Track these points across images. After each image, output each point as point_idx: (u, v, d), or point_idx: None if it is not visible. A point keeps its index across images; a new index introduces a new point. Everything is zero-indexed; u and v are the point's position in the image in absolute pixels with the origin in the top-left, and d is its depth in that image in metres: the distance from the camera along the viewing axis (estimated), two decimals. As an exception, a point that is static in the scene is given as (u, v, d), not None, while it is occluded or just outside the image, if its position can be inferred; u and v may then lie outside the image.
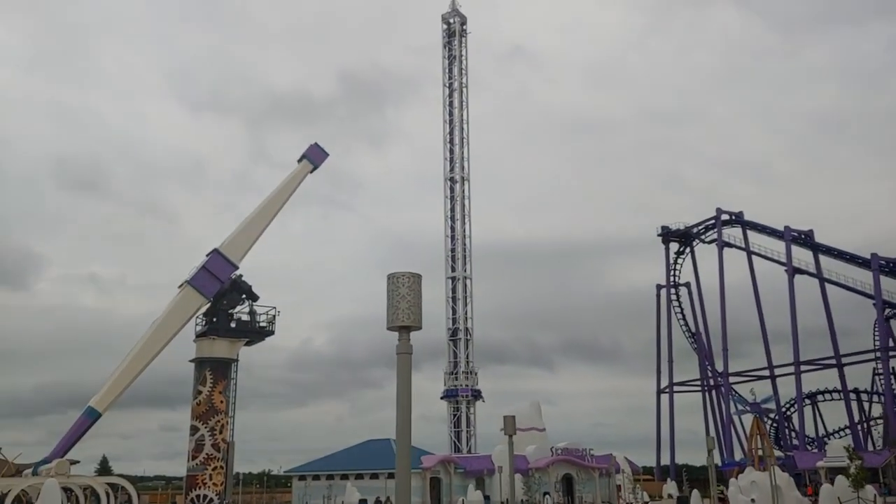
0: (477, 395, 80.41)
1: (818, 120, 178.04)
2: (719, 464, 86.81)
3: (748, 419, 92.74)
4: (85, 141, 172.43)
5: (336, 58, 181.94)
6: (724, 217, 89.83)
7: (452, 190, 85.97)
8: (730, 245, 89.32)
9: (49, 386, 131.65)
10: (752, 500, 45.21)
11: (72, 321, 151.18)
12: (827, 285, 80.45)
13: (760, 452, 53.01)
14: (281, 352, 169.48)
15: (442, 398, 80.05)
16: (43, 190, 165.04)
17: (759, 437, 51.71)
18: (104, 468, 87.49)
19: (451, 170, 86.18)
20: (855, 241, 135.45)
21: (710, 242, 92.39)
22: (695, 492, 43.28)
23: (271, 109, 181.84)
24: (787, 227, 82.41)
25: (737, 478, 48.23)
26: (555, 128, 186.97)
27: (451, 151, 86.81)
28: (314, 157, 40.68)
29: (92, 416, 32.22)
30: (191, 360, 37.18)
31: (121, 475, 38.43)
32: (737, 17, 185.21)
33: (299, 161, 40.87)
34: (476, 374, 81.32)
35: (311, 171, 40.84)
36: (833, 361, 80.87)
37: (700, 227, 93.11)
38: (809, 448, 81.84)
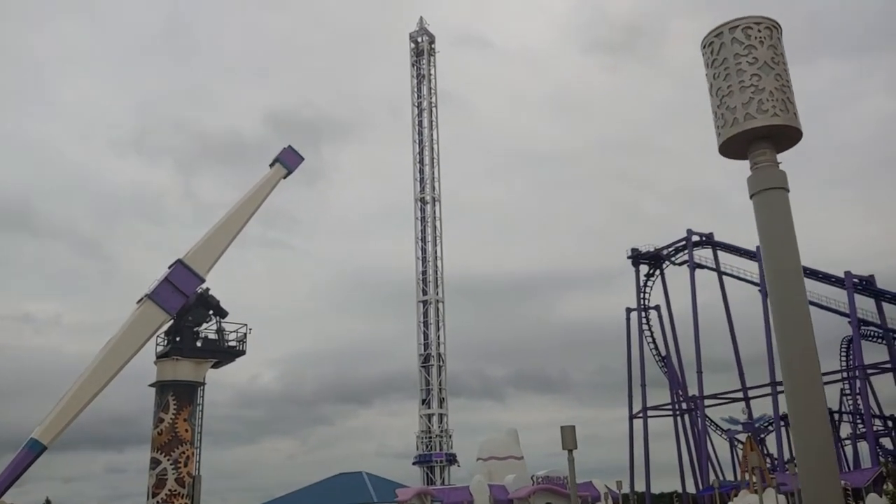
0: (451, 459, 76.15)
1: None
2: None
3: (720, 443, 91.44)
4: (15, 176, 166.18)
5: (271, 97, 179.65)
6: (695, 238, 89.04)
7: (423, 211, 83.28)
8: (701, 266, 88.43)
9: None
10: (753, 526, 43.08)
11: (8, 362, 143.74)
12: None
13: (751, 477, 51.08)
14: (227, 389, 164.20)
15: (414, 464, 75.69)
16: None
17: (753, 457, 49.73)
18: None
19: (422, 190, 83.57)
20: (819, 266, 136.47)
21: (680, 264, 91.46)
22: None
23: (203, 150, 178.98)
24: (758, 247, 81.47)
25: (732, 501, 46.11)
26: (513, 158, 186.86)
27: (422, 171, 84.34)
28: (288, 160, 37.57)
29: (36, 450, 28.10)
30: (151, 385, 33.31)
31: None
32: (693, 54, 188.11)
33: (271, 165, 37.74)
34: (451, 436, 77.53)
35: (285, 177, 37.69)
36: (809, 382, 79.73)
37: (670, 249, 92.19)
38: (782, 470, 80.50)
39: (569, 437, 14.40)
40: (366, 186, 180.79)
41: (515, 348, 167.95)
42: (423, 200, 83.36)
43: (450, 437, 76.83)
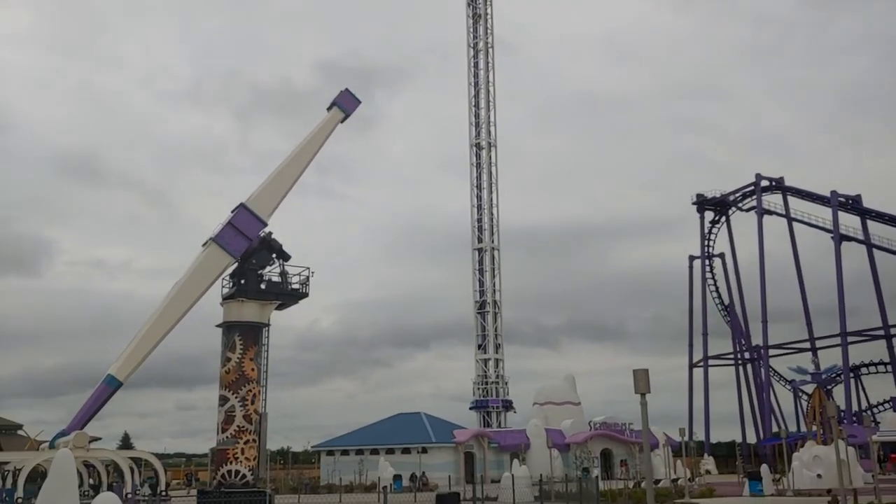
0: (508, 405, 76.52)
1: (848, 95, 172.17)
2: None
3: (782, 394, 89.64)
4: (83, 127, 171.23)
5: (321, 45, 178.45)
6: (764, 183, 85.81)
7: (479, 157, 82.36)
8: (770, 212, 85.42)
9: (67, 367, 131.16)
10: (819, 476, 42.23)
11: (84, 305, 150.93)
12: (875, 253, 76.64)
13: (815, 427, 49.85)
14: (289, 333, 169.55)
15: (471, 409, 76.42)
16: (47, 176, 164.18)
17: (821, 409, 48.45)
18: (126, 444, 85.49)
19: (478, 135, 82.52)
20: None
21: (748, 210, 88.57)
22: (764, 466, 40.04)
23: (257, 100, 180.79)
24: (833, 192, 78.42)
25: (799, 451, 45.20)
26: (571, 104, 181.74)
27: (477, 115, 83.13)
28: (345, 103, 37.14)
29: (112, 385, 29.28)
30: (218, 325, 34.10)
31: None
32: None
33: (329, 109, 37.45)
34: (507, 383, 77.67)
35: (343, 120, 37.37)
36: (881, 332, 77.15)
37: (737, 195, 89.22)
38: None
39: (642, 380, 14.03)
40: (419, 134, 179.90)
41: (570, 297, 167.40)
42: (478, 146, 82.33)
43: (506, 384, 77.31)
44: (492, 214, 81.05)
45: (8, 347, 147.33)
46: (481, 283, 79.91)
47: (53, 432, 28.77)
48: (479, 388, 76.61)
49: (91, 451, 27.37)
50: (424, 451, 58.35)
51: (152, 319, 31.18)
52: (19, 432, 71.56)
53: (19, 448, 39.04)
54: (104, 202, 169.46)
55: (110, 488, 23.14)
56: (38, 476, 28.27)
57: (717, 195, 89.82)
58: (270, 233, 34.95)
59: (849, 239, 77.64)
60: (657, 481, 49.03)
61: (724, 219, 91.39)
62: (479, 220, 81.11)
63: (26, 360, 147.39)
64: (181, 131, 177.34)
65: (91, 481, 28.63)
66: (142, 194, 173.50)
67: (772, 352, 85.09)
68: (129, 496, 24.42)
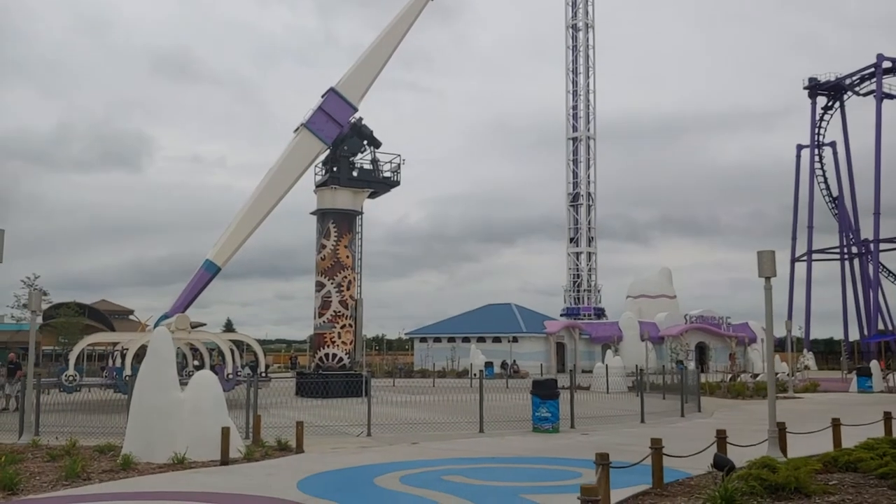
0: (600, 313, 74.81)
1: None
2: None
3: (891, 290, 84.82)
4: (176, 27, 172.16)
5: None
6: (886, 64, 78.14)
7: (575, 39, 78.01)
8: (891, 96, 78.23)
9: (173, 257, 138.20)
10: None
11: (185, 199, 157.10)
12: None
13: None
14: (379, 227, 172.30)
15: (562, 315, 74.82)
16: (146, 74, 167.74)
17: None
18: (229, 329, 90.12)
19: (574, 16, 77.83)
20: None
21: (865, 95, 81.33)
22: (874, 362, 37.98)
23: None
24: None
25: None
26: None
27: (574, -8, 78.21)
28: (436, -21, 35.17)
29: (211, 270, 29.91)
30: (312, 213, 34.24)
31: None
32: None
33: (419, -12, 35.49)
34: (599, 291, 75.66)
35: (432, -1, 35.44)
36: None
37: (855, 78, 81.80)
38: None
39: (768, 262, 12.59)
40: (505, 23, 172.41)
41: (663, 191, 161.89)
42: (574, 27, 77.84)
43: (598, 291, 75.93)
44: (588, 101, 77.56)
45: (119, 239, 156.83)
46: (575, 175, 77.52)
47: (160, 317, 29.79)
48: (570, 295, 75.61)
49: (192, 333, 28.32)
50: (515, 340, 58.72)
51: (247, 206, 31.32)
52: (131, 317, 76.43)
53: (132, 331, 41.31)
54: (200, 99, 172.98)
55: (212, 369, 23.92)
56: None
57: (832, 78, 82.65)
58: (361, 118, 34.20)
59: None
60: (755, 375, 47.69)
61: (837, 105, 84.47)
62: (575, 108, 77.77)
63: (136, 250, 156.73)
64: (269, 28, 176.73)
65: (195, 363, 29.86)
66: (235, 91, 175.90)
67: (882, 246, 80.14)
68: (230, 376, 25.24)
